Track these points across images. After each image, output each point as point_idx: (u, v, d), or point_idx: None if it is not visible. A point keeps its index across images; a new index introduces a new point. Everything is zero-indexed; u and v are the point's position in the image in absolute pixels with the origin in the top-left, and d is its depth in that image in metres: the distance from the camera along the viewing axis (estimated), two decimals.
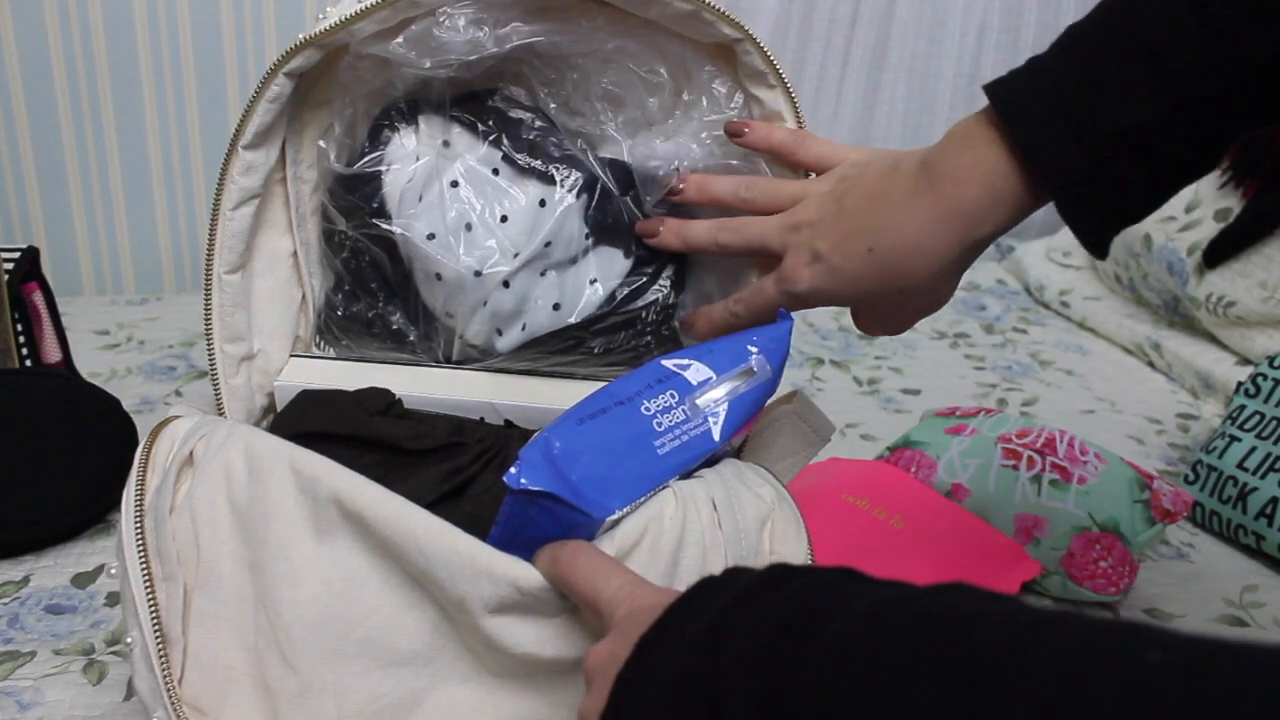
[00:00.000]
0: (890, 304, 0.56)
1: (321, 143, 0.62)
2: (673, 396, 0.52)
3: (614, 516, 0.49)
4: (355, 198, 0.61)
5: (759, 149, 0.60)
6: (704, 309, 0.62)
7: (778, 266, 0.57)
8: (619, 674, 0.38)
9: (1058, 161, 0.49)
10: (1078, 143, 0.49)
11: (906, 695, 0.29)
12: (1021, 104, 0.50)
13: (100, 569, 0.77)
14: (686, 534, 0.50)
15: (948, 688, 0.28)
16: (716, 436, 0.52)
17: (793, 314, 0.57)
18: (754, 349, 0.54)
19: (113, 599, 0.74)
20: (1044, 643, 0.28)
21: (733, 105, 0.61)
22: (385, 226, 0.61)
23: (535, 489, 0.46)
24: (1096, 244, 0.53)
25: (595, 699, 0.40)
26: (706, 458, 0.52)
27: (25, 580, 0.75)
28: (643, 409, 0.51)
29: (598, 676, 0.40)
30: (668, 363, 0.53)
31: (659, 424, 0.51)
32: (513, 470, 0.46)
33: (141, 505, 0.50)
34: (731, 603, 0.37)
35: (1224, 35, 0.47)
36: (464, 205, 0.61)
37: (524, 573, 0.47)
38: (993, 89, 0.51)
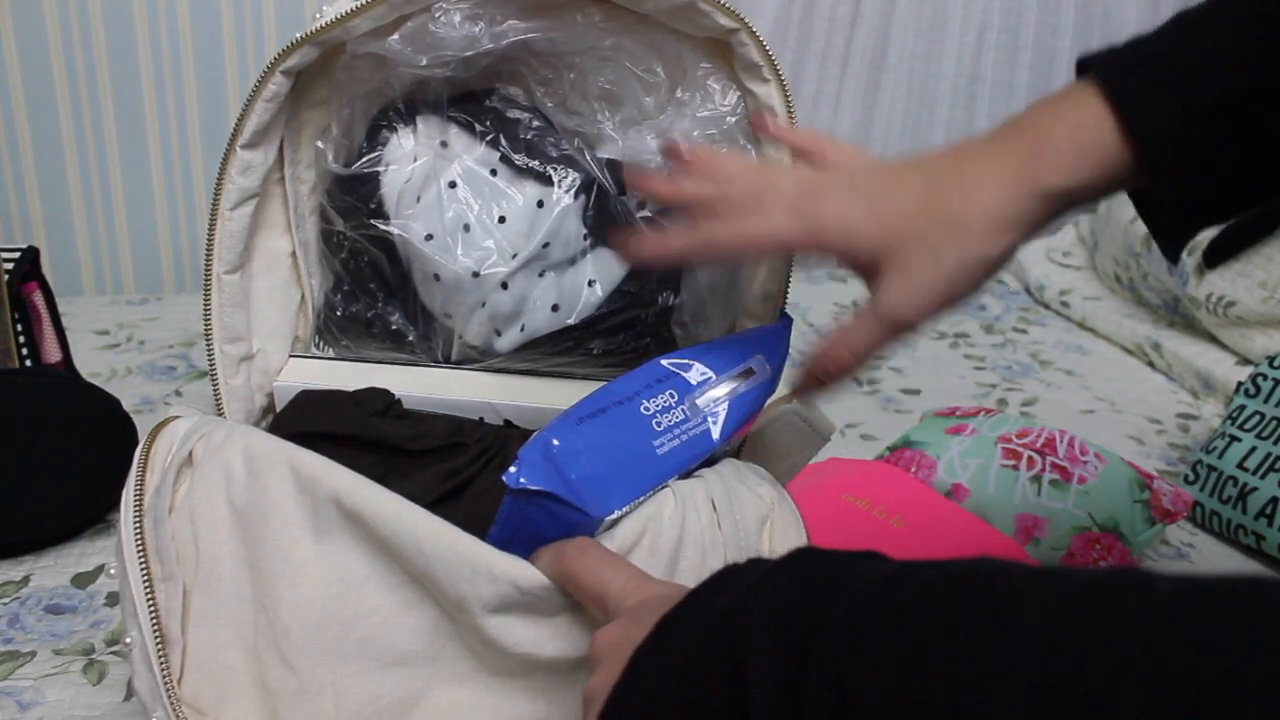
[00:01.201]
0: (930, 246, 0.48)
1: (319, 144, 0.62)
2: (672, 396, 0.52)
3: (613, 516, 0.49)
4: (353, 198, 0.61)
5: (781, 140, 0.57)
6: (657, 235, 0.54)
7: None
8: (636, 649, 0.38)
9: (1154, 120, 0.46)
10: (1176, 105, 0.46)
11: (925, 636, 0.30)
12: (1119, 65, 0.47)
13: (100, 569, 0.77)
14: (685, 534, 0.49)
15: (967, 624, 0.30)
16: (716, 436, 0.52)
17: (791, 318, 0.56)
18: (753, 349, 0.54)
19: (113, 599, 0.74)
20: (1057, 583, 0.30)
21: (727, 102, 0.61)
22: (383, 227, 0.61)
23: (534, 488, 0.46)
24: (1173, 236, 0.50)
25: (605, 675, 0.40)
26: (706, 457, 0.52)
27: (25, 580, 0.75)
28: (642, 408, 0.51)
29: (609, 656, 0.40)
30: (667, 362, 0.53)
31: (658, 424, 0.51)
32: (512, 469, 0.46)
33: (140, 505, 0.50)
34: (756, 580, 0.38)
35: None
36: (462, 206, 0.61)
37: (523, 572, 0.47)
38: (1087, 57, 0.49)
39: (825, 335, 0.52)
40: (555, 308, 0.62)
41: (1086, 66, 0.49)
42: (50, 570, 0.76)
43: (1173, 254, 0.50)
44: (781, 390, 0.57)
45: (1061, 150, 0.47)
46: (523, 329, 0.62)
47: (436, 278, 0.61)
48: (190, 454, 0.52)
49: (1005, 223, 0.47)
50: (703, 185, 0.52)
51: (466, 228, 0.61)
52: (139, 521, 0.50)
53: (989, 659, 0.28)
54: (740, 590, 0.37)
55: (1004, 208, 0.47)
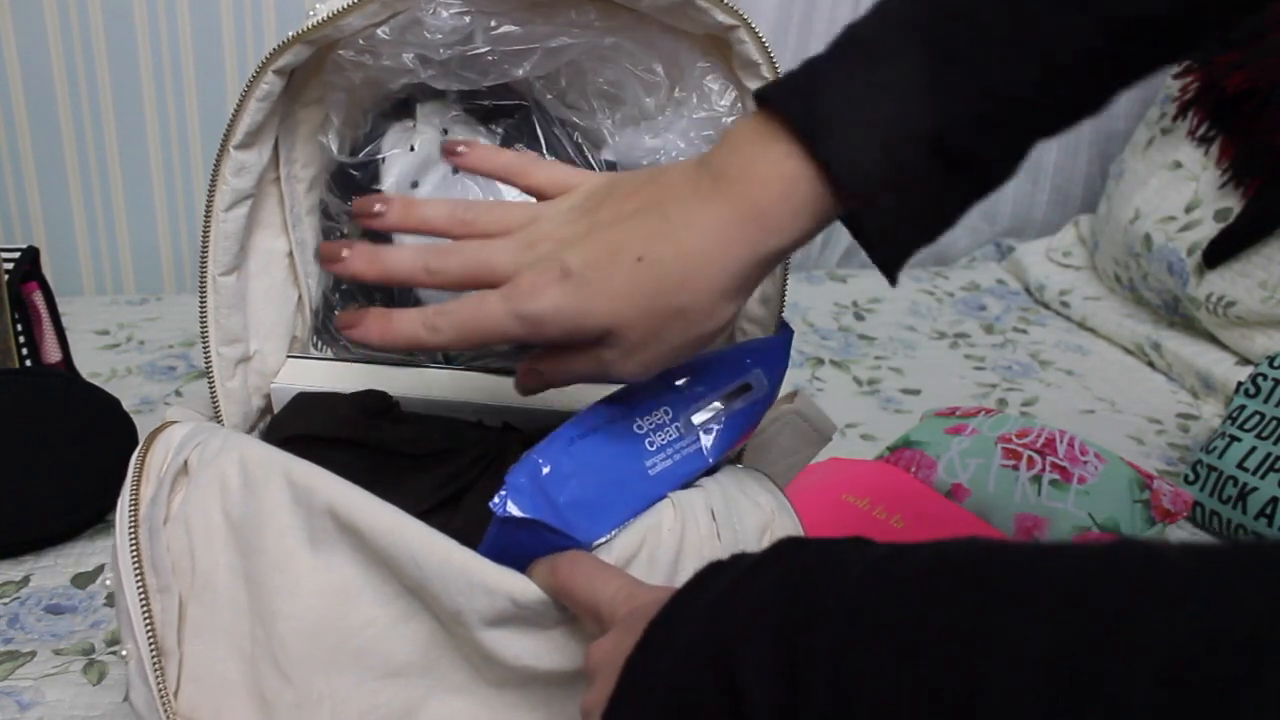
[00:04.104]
0: (652, 329, 0.45)
1: (321, 138, 0.62)
2: (666, 414, 0.51)
3: (601, 541, 0.49)
4: (353, 189, 0.61)
5: (481, 171, 0.52)
6: (381, 312, 0.48)
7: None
8: (627, 659, 0.38)
9: (861, 167, 0.43)
10: (880, 146, 0.43)
11: (929, 620, 0.30)
12: (805, 103, 0.43)
13: (100, 569, 0.77)
14: (685, 544, 0.49)
15: (969, 597, 0.29)
16: (709, 455, 0.51)
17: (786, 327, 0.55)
18: (751, 363, 0.53)
19: (113, 599, 0.74)
20: (1058, 556, 0.29)
21: (724, 102, 0.61)
22: None
23: (522, 516, 0.46)
24: (893, 258, 0.46)
25: (600, 689, 0.39)
26: (698, 475, 0.52)
27: (25, 580, 0.75)
28: (635, 427, 0.50)
29: (602, 668, 0.40)
30: (662, 378, 0.52)
31: (651, 443, 0.50)
32: (499, 497, 0.45)
33: (136, 516, 0.50)
34: (741, 575, 0.37)
35: (1031, 24, 0.42)
36: (461, 195, 0.61)
37: (520, 585, 0.46)
38: (767, 92, 0.45)
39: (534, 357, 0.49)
40: None
41: (772, 101, 0.44)
42: (50, 570, 0.76)
43: (893, 270, 0.47)
44: (782, 390, 0.56)
45: (780, 204, 0.44)
46: None
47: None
48: (186, 463, 0.51)
49: (729, 294, 0.45)
50: (402, 264, 0.47)
51: None
52: (134, 532, 0.50)
53: (993, 639, 0.28)
54: (726, 587, 0.37)
55: (728, 282, 0.44)
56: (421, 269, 0.47)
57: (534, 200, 0.50)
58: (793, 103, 0.43)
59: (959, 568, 0.31)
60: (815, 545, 0.37)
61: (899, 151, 0.43)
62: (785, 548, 0.38)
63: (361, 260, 0.47)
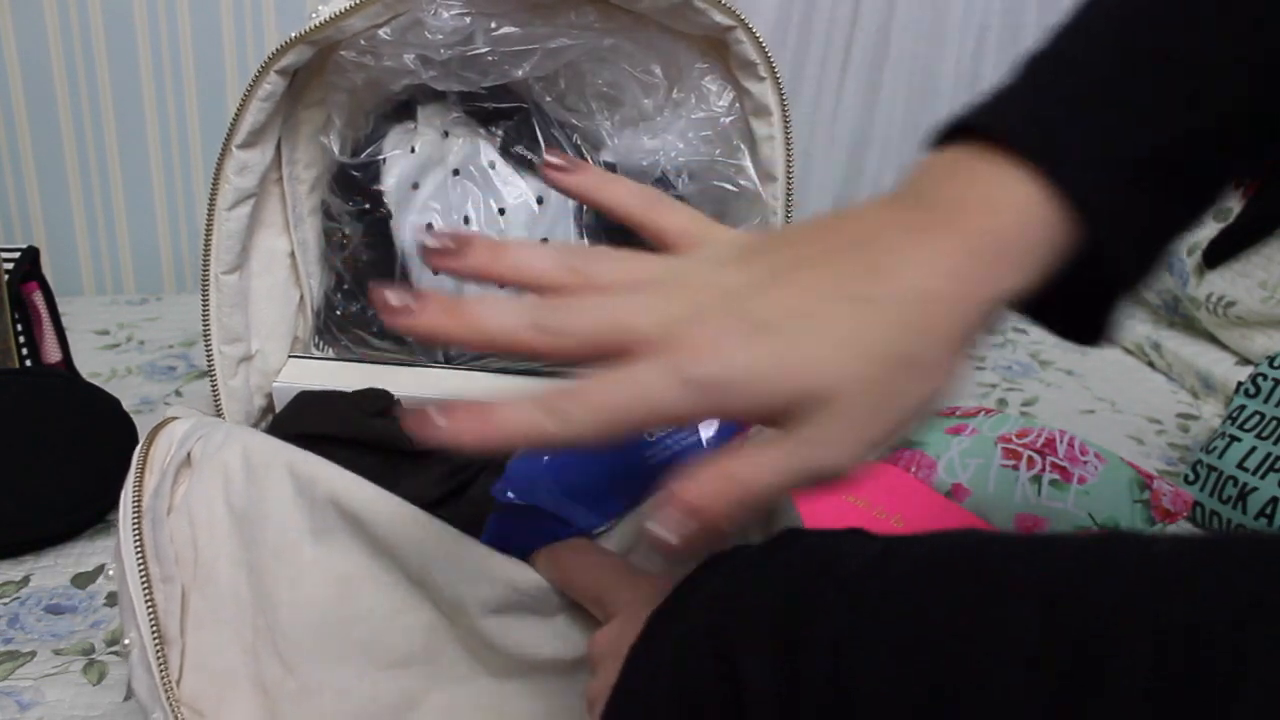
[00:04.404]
0: (881, 388, 0.34)
1: (323, 139, 0.62)
2: None
3: (601, 530, 0.49)
4: (354, 190, 0.61)
5: (587, 199, 0.41)
6: (480, 406, 0.33)
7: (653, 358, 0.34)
8: (632, 646, 0.38)
9: (1103, 191, 0.36)
10: (1116, 168, 0.37)
11: (928, 614, 0.30)
12: (1029, 124, 0.37)
13: (100, 569, 0.77)
14: None
15: (966, 587, 0.29)
16: (707, 446, 0.52)
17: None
18: None
19: (113, 599, 0.74)
20: (1054, 546, 0.29)
21: (722, 102, 0.61)
22: (383, 217, 0.61)
23: (522, 503, 0.46)
24: (1092, 321, 0.41)
25: (604, 677, 0.39)
26: None
27: (25, 580, 0.75)
28: None
29: (606, 657, 0.40)
30: None
31: (650, 434, 0.51)
32: (499, 484, 0.46)
33: (139, 507, 0.50)
34: (742, 564, 0.37)
35: (1255, 29, 0.37)
36: (462, 198, 0.61)
37: (521, 573, 0.47)
38: (977, 116, 0.38)
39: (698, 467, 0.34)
40: None
41: (976, 126, 0.37)
42: (50, 570, 0.76)
43: (1094, 337, 0.41)
44: None
45: (1015, 242, 0.35)
46: None
47: (436, 271, 0.62)
48: (189, 455, 0.52)
49: (962, 342, 0.35)
50: (501, 320, 0.35)
51: (466, 220, 0.61)
52: (137, 523, 0.50)
53: (991, 633, 0.28)
54: (727, 577, 0.37)
55: (962, 326, 0.35)
56: (529, 327, 0.35)
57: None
58: (1010, 122, 0.37)
59: (956, 560, 0.31)
60: (815, 536, 0.37)
61: (1138, 173, 0.37)
62: (786, 539, 0.37)
63: (438, 313, 0.35)
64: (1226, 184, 0.40)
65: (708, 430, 0.52)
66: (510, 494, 0.46)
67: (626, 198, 0.40)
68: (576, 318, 0.35)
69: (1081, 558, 0.29)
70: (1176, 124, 0.37)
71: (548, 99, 0.63)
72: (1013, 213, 0.35)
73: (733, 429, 0.53)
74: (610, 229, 0.62)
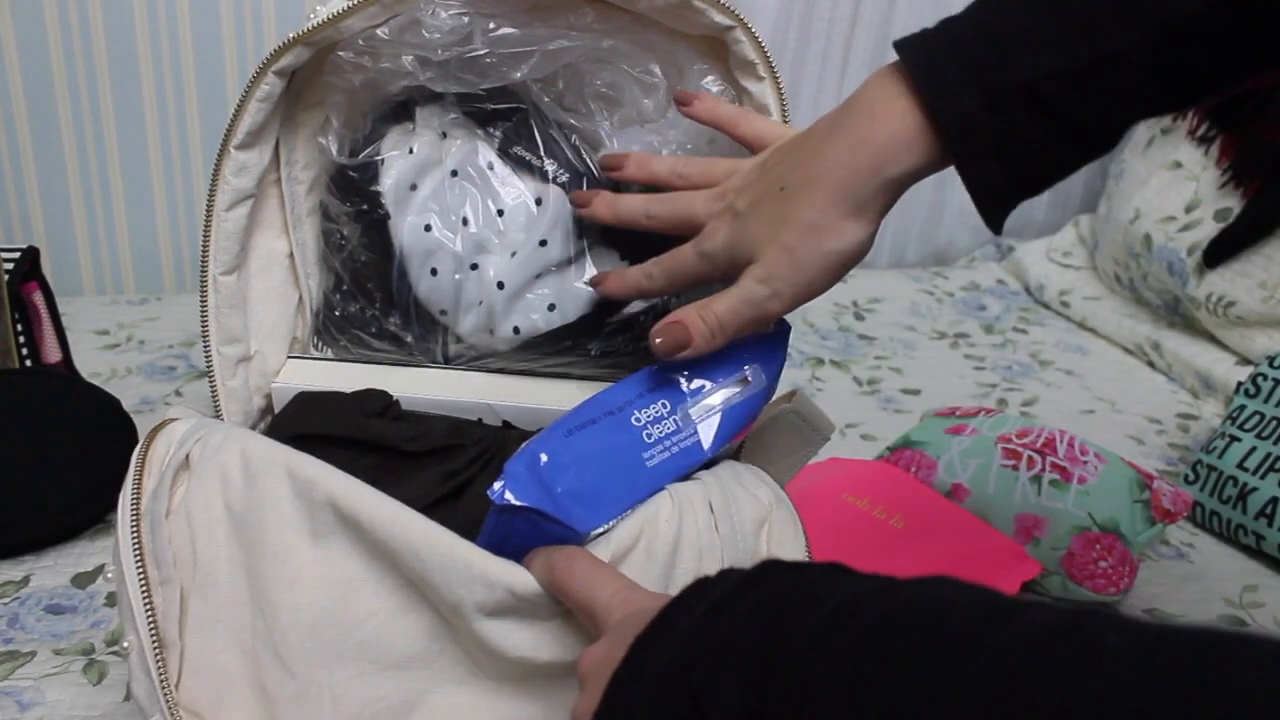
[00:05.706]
0: (788, 248, 0.50)
1: (321, 139, 0.62)
2: (664, 406, 0.52)
3: (599, 530, 0.49)
4: (352, 191, 0.61)
5: (703, 120, 0.59)
6: (616, 270, 0.59)
7: None
8: (614, 673, 0.39)
9: (959, 109, 0.47)
10: (979, 92, 0.47)
11: (875, 681, 0.30)
12: (926, 53, 0.49)
13: (100, 569, 0.77)
14: (682, 537, 0.49)
15: (914, 672, 0.30)
16: (707, 448, 0.52)
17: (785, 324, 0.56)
18: (749, 357, 0.54)
19: (113, 599, 0.74)
20: (1007, 628, 0.29)
21: None
22: (381, 218, 0.61)
23: (520, 504, 0.46)
24: (993, 210, 0.50)
25: (589, 700, 0.40)
26: (696, 469, 0.52)
27: (25, 580, 0.75)
28: (633, 419, 0.51)
29: (592, 678, 0.41)
30: (661, 371, 0.53)
31: (649, 435, 0.51)
32: (497, 485, 0.46)
33: (138, 509, 0.50)
34: (720, 599, 0.38)
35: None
36: (460, 199, 0.61)
37: (518, 577, 0.47)
38: (901, 42, 0.50)
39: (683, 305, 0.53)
40: (552, 308, 0.62)
41: (899, 49, 0.50)
42: (50, 570, 0.76)
43: (994, 221, 0.51)
44: (781, 390, 0.56)
45: (891, 138, 0.49)
46: (519, 329, 0.62)
47: (434, 272, 0.61)
48: (187, 457, 0.52)
49: (849, 212, 0.50)
50: (631, 208, 0.58)
51: (465, 221, 0.61)
52: (136, 525, 0.50)
53: (933, 708, 0.28)
54: (705, 609, 0.38)
55: (845, 198, 0.49)
56: (643, 214, 0.57)
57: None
58: (911, 50, 0.49)
59: (913, 630, 0.31)
60: (793, 575, 0.38)
61: (996, 99, 0.47)
62: (767, 573, 0.38)
63: (603, 205, 0.59)
64: (1117, 126, 0.49)
65: (706, 432, 0.52)
66: (508, 494, 0.46)
67: (723, 114, 0.58)
68: (667, 208, 0.57)
69: (1032, 644, 0.28)
70: (1052, 62, 0.46)
71: (546, 99, 0.63)
72: (892, 118, 0.49)
73: (730, 432, 0.53)
74: (606, 233, 0.62)
